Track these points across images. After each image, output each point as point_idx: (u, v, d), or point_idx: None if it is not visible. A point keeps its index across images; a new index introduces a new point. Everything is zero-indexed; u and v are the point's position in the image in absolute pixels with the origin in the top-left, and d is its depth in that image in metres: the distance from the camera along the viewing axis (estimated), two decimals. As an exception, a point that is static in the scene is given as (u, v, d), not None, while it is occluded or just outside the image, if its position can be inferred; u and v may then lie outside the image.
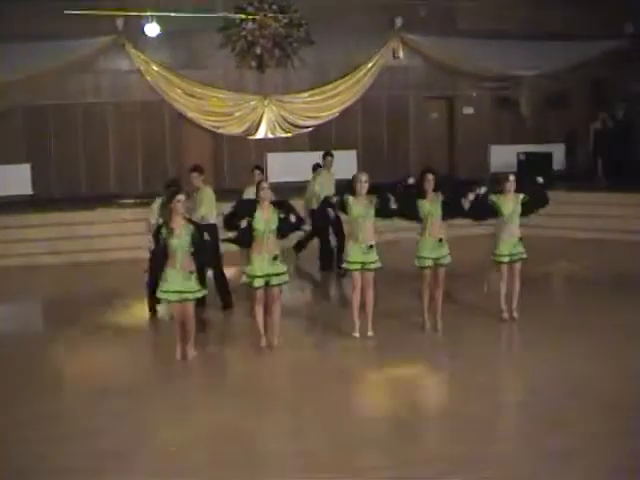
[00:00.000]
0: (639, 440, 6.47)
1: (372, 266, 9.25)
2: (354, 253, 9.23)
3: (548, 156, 18.30)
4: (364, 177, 9.26)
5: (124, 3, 17.45)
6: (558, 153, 19.35)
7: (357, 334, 9.36)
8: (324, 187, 12.45)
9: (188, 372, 8.61)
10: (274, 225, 8.79)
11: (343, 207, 9.27)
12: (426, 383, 8.16)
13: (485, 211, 9.72)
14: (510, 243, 9.68)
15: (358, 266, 9.23)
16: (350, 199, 9.24)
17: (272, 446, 6.64)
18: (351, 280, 9.38)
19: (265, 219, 8.77)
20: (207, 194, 10.43)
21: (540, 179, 9.98)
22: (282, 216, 8.83)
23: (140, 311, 10.53)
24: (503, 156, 19.22)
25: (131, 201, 16.49)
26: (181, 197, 8.53)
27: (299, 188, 16.19)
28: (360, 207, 9.17)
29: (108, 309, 11.23)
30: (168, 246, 8.44)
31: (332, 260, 12.76)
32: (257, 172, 11.52)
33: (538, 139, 19.64)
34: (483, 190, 9.64)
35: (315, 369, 8.66)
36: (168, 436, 6.84)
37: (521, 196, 9.74)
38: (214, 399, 7.71)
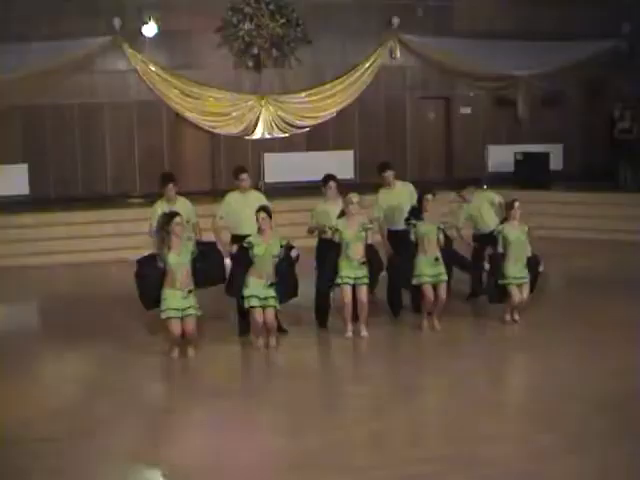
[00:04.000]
0: (634, 440, 6.48)
1: (364, 280, 9.30)
2: (346, 268, 9.28)
3: (545, 156, 18.29)
4: (355, 199, 9.32)
5: (122, 3, 17.48)
6: (556, 153, 19.32)
7: (350, 334, 9.38)
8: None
9: (185, 372, 8.61)
10: (276, 251, 8.84)
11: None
12: (423, 383, 8.15)
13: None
14: (516, 268, 9.71)
15: (350, 281, 9.28)
16: (340, 224, 9.31)
17: (269, 445, 6.63)
18: (343, 294, 9.34)
19: (266, 245, 8.85)
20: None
21: (541, 268, 10.00)
22: (283, 244, 8.98)
23: (139, 311, 10.50)
24: (500, 156, 19.25)
25: (132, 201, 16.49)
26: (178, 219, 8.58)
27: (296, 188, 16.22)
28: (351, 231, 9.27)
29: (106, 309, 11.24)
30: (166, 264, 8.48)
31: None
32: (244, 175, 9.94)
33: (535, 139, 19.64)
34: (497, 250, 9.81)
35: (312, 369, 8.67)
36: (164, 436, 6.84)
37: (526, 227, 9.82)
38: (211, 399, 7.69)
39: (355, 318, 9.46)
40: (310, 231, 9.87)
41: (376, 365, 8.73)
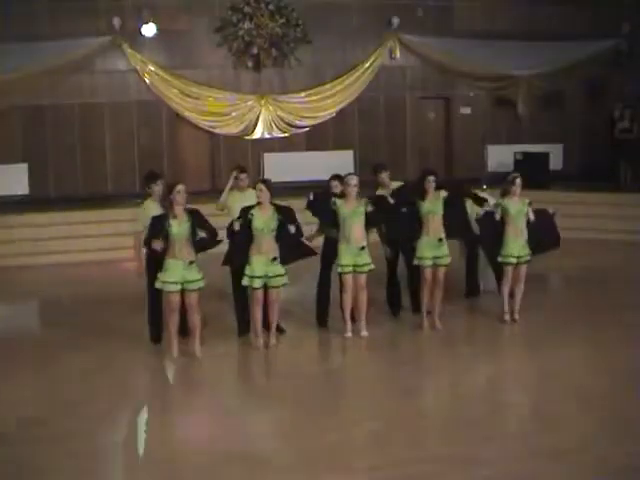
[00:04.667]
0: (634, 440, 6.48)
1: (364, 268, 9.25)
2: (346, 255, 9.22)
3: (545, 156, 18.29)
4: (353, 180, 9.26)
5: (122, 3, 17.50)
6: (555, 153, 19.32)
7: (349, 334, 9.36)
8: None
9: (184, 371, 8.61)
10: (274, 225, 8.80)
11: (334, 211, 9.24)
12: (422, 382, 8.15)
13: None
14: (517, 244, 9.65)
15: (350, 268, 9.23)
16: (338, 202, 9.26)
17: (269, 446, 6.63)
18: (343, 283, 9.33)
19: (265, 218, 8.78)
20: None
21: (551, 210, 9.90)
22: (280, 219, 8.85)
23: (139, 310, 10.50)
24: (500, 156, 19.24)
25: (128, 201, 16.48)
26: (180, 187, 8.57)
27: (296, 188, 16.20)
28: (349, 209, 9.17)
29: (105, 309, 11.24)
30: (168, 235, 8.47)
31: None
32: (243, 175, 10.05)
33: (535, 139, 19.65)
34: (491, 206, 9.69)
35: (311, 369, 8.67)
36: (164, 436, 6.84)
37: (527, 200, 9.73)
38: (210, 399, 7.69)
39: (353, 319, 9.46)
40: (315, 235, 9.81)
41: (376, 365, 8.72)
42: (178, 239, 8.49)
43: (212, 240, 8.76)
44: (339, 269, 9.31)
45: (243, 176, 10.03)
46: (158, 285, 8.58)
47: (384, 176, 10.24)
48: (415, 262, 9.55)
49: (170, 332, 8.75)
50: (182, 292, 8.58)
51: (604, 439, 6.45)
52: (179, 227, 8.49)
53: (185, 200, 8.60)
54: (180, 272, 8.49)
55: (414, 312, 10.02)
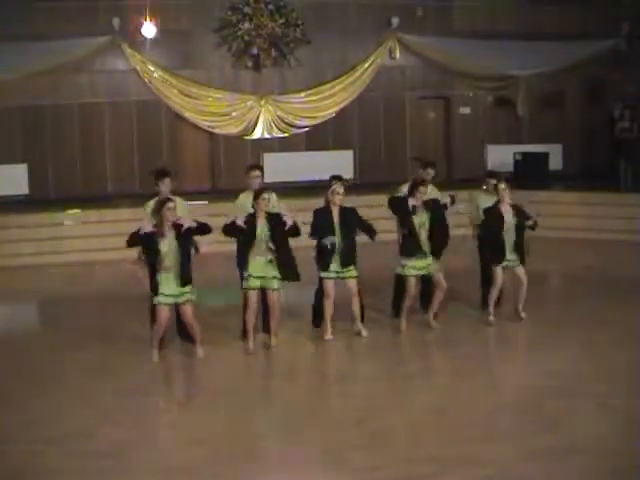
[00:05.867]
0: (634, 440, 6.48)
1: (351, 273, 9.23)
2: (333, 262, 9.17)
3: (544, 156, 18.30)
4: (341, 189, 9.22)
5: (121, 3, 17.51)
6: (555, 153, 19.34)
7: (330, 336, 9.30)
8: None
9: (184, 372, 8.61)
10: (267, 230, 8.82)
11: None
12: (422, 382, 8.14)
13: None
14: (506, 247, 9.63)
15: (333, 275, 9.20)
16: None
17: (269, 446, 6.63)
18: (324, 288, 9.27)
19: (262, 225, 8.82)
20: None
21: (530, 222, 9.76)
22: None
23: (138, 311, 10.50)
24: (500, 156, 19.23)
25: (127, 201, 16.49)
26: (171, 205, 8.55)
27: (296, 188, 16.22)
28: (338, 221, 9.14)
29: (105, 309, 11.23)
30: (159, 252, 8.47)
31: None
32: (257, 172, 9.70)
33: (535, 139, 19.66)
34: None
35: (312, 369, 8.67)
36: (165, 436, 6.84)
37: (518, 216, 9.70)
38: (210, 400, 7.68)
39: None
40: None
41: (376, 365, 8.71)
42: (165, 256, 8.50)
43: (203, 231, 8.74)
44: (322, 274, 9.25)
45: (256, 173, 9.60)
46: (155, 301, 8.61)
47: (431, 172, 10.27)
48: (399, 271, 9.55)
49: (153, 339, 8.76)
50: (176, 306, 8.65)
51: (604, 439, 6.44)
52: (168, 246, 8.49)
53: (174, 216, 8.57)
54: (172, 286, 8.51)
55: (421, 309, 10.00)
